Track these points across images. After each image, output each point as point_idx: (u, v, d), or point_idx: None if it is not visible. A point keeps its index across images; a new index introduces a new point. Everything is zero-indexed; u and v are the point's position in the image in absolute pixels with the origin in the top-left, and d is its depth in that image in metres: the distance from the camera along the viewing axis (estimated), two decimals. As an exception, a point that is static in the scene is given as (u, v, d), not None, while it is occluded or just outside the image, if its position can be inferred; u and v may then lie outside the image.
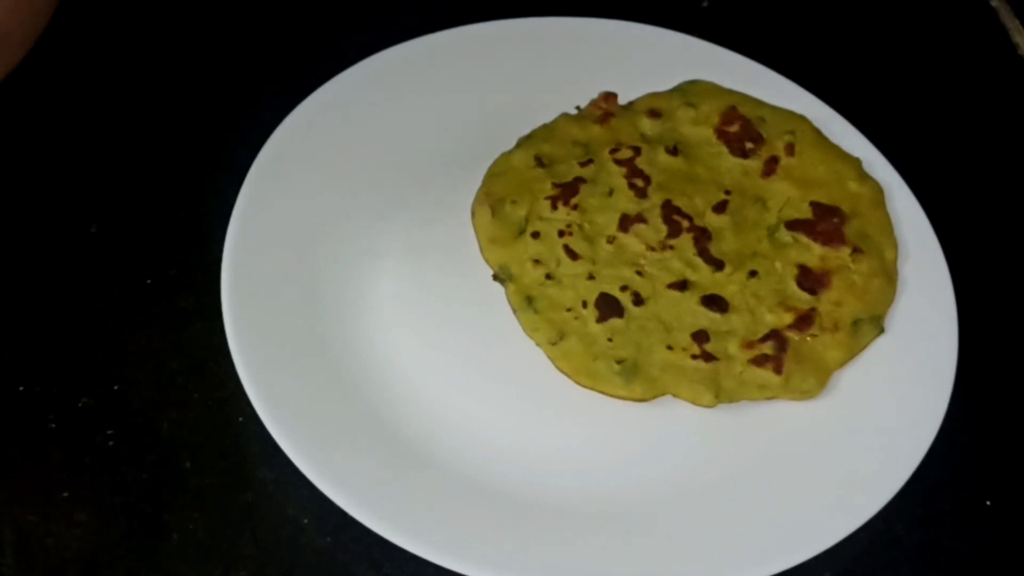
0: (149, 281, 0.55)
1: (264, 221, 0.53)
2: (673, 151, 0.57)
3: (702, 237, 0.54)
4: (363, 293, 0.53)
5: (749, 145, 0.57)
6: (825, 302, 0.53)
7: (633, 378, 0.50)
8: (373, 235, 0.55)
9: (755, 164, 0.57)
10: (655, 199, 0.55)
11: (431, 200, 0.56)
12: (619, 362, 0.50)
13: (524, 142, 0.57)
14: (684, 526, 0.47)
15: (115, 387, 0.52)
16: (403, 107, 0.58)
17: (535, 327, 0.52)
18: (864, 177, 0.57)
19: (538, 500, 0.48)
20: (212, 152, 0.60)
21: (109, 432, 0.50)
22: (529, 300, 0.52)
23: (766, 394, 0.51)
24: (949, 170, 0.62)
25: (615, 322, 0.52)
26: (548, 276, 0.53)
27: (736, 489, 0.49)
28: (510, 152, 0.56)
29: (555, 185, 0.55)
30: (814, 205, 0.56)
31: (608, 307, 0.52)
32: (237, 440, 0.50)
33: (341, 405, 0.49)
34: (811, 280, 0.54)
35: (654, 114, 0.58)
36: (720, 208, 0.55)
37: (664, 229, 0.54)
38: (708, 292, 0.53)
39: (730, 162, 0.57)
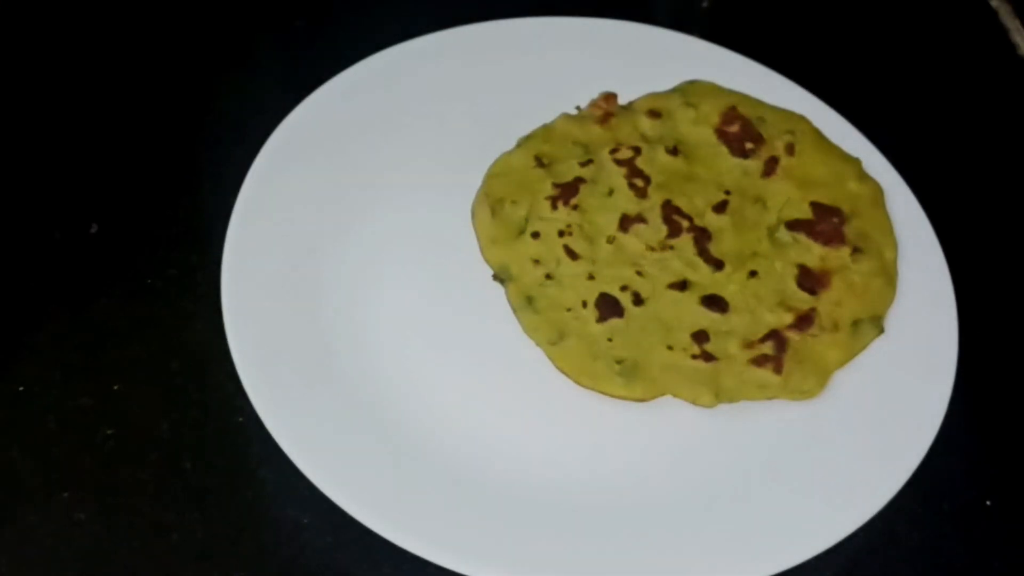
0: (149, 281, 0.55)
1: (264, 221, 0.53)
2: (673, 151, 0.57)
3: (702, 237, 0.54)
4: (363, 293, 0.53)
5: (749, 145, 0.57)
6: (825, 302, 0.53)
7: (633, 378, 0.50)
8: (372, 235, 0.55)
9: (755, 164, 0.57)
10: (655, 199, 0.55)
11: (431, 200, 0.56)
12: (619, 362, 0.51)
13: (524, 142, 0.57)
14: (684, 526, 0.47)
15: (115, 387, 0.52)
16: (403, 107, 0.58)
17: (535, 327, 0.52)
18: (864, 177, 0.57)
19: (538, 500, 0.48)
20: (212, 152, 0.60)
21: (109, 432, 0.50)
22: (529, 300, 0.52)
23: (766, 394, 0.51)
24: (949, 170, 0.62)
25: (615, 322, 0.52)
26: (548, 276, 0.53)
27: (736, 489, 0.49)
28: (510, 152, 0.56)
29: (555, 185, 0.55)
30: (814, 205, 0.56)
31: (608, 307, 0.52)
32: (237, 440, 0.50)
33: (341, 405, 0.49)
34: (811, 280, 0.54)
35: (654, 114, 0.58)
36: (720, 208, 0.55)
37: (664, 229, 0.54)
38: (708, 292, 0.53)
39: (730, 162, 0.57)
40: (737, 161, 0.57)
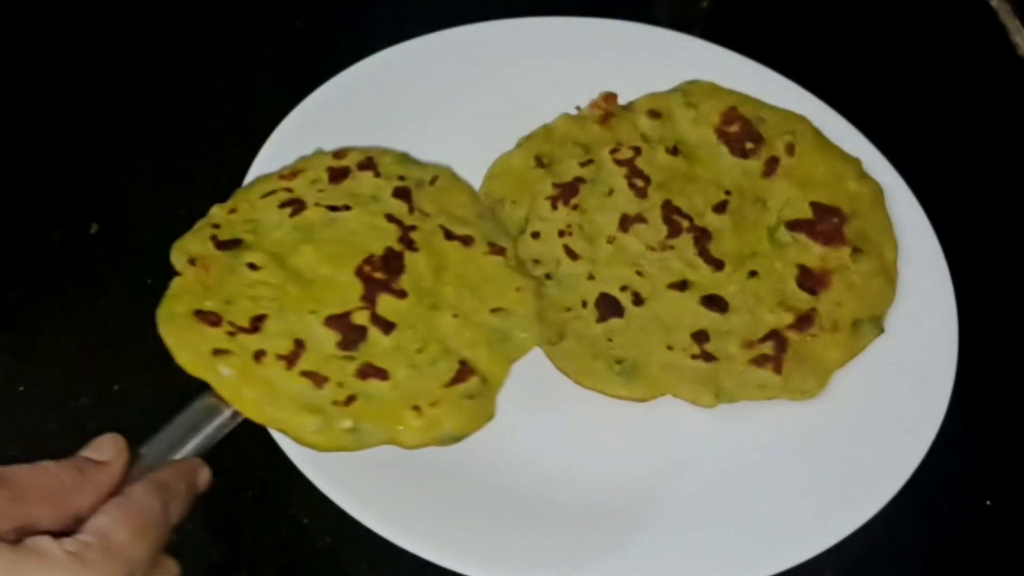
0: (149, 281, 0.55)
1: (264, 221, 0.53)
2: (673, 151, 0.57)
3: (702, 237, 0.54)
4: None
5: (749, 145, 0.57)
6: (825, 302, 0.53)
7: (633, 378, 0.50)
8: (373, 235, 0.55)
9: (755, 164, 0.57)
10: (655, 199, 0.55)
11: (431, 200, 0.56)
12: (619, 362, 0.50)
13: (524, 142, 0.57)
14: (684, 526, 0.47)
15: (115, 387, 0.52)
16: (403, 107, 0.58)
17: (535, 327, 0.52)
18: (864, 177, 0.57)
19: (538, 500, 0.48)
20: (212, 152, 0.60)
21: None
22: (529, 300, 0.52)
23: (766, 394, 0.51)
24: (949, 170, 0.62)
25: (615, 322, 0.52)
26: (548, 276, 0.53)
27: (736, 489, 0.49)
28: (510, 152, 0.56)
29: (555, 185, 0.55)
30: (814, 205, 0.56)
31: (608, 307, 0.52)
32: (237, 440, 0.50)
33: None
34: (811, 280, 0.54)
35: (654, 114, 0.58)
36: (720, 208, 0.55)
37: (664, 229, 0.54)
38: (708, 292, 0.53)
39: (730, 162, 0.57)
40: (737, 161, 0.57)
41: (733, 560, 0.47)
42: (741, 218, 0.55)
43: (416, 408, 0.43)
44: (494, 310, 0.47)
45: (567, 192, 0.55)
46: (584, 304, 0.52)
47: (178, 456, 0.41)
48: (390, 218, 0.49)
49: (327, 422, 0.43)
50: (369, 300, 0.46)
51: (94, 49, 0.63)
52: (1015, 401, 0.55)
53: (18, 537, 0.34)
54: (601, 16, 0.62)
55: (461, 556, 0.45)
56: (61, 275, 0.55)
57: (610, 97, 0.58)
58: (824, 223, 0.55)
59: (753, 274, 0.54)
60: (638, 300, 0.52)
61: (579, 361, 0.51)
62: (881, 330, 0.53)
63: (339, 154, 0.52)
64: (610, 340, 0.51)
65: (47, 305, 0.54)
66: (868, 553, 0.49)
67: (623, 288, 0.52)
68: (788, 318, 0.52)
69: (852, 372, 0.52)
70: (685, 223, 0.55)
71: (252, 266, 0.46)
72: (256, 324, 0.45)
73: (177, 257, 0.47)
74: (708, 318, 0.52)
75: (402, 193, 0.50)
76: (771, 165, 0.57)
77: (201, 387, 0.51)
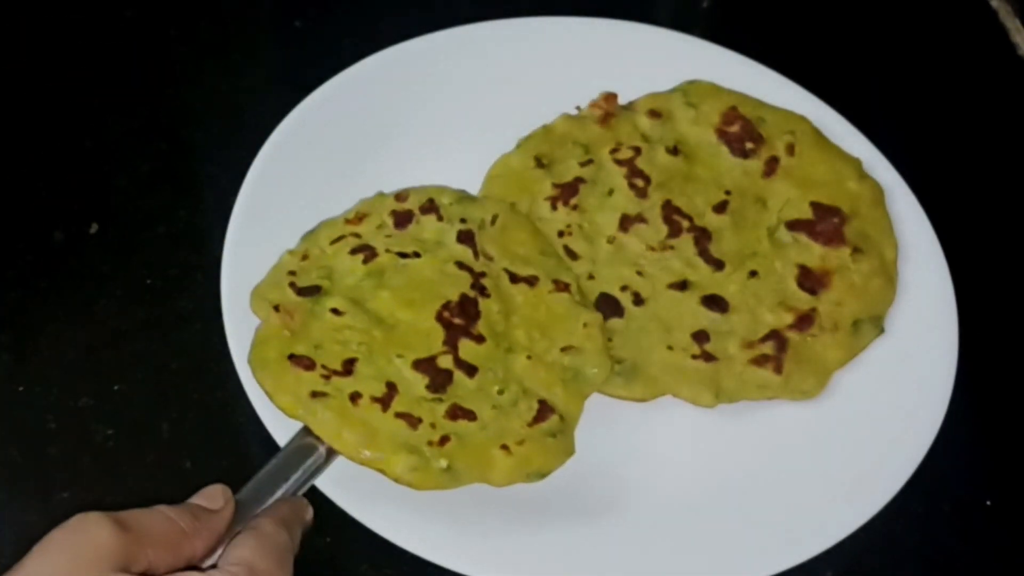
0: (149, 281, 0.55)
1: (264, 221, 0.53)
2: (673, 151, 0.57)
3: (702, 237, 0.54)
4: (363, 293, 0.53)
5: (749, 145, 0.57)
6: (825, 302, 0.53)
7: (633, 378, 0.50)
8: (373, 235, 0.55)
9: (755, 164, 0.57)
10: (655, 199, 0.55)
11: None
12: (619, 362, 0.50)
13: (524, 143, 0.57)
14: (684, 526, 0.47)
15: (115, 387, 0.52)
16: (403, 107, 0.58)
17: (535, 327, 0.52)
18: (864, 177, 0.57)
19: (538, 500, 0.48)
20: (212, 152, 0.60)
21: (109, 432, 0.50)
22: (529, 300, 0.52)
23: (766, 394, 0.51)
24: (949, 170, 0.62)
25: (615, 322, 0.52)
26: (548, 276, 0.53)
27: (736, 489, 0.49)
28: (510, 153, 0.56)
29: (555, 186, 0.55)
30: (814, 205, 0.56)
31: (608, 307, 0.52)
32: (237, 440, 0.50)
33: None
34: (811, 280, 0.54)
35: (654, 114, 0.58)
36: (720, 208, 0.55)
37: (664, 229, 0.54)
38: (708, 292, 0.53)
39: (730, 162, 0.57)
40: (737, 161, 0.57)
41: (733, 560, 0.46)
42: (741, 218, 0.55)
43: (504, 447, 0.45)
44: (564, 348, 0.49)
45: (567, 192, 0.55)
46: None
47: (273, 498, 0.42)
48: (460, 265, 0.50)
49: (424, 462, 0.44)
50: (451, 345, 0.48)
51: (94, 49, 0.63)
52: (1015, 401, 0.55)
53: None
54: (601, 16, 0.62)
55: (461, 556, 0.45)
56: (61, 275, 0.55)
57: (610, 97, 0.58)
58: (824, 223, 0.55)
59: (753, 274, 0.54)
60: (638, 300, 0.52)
61: (579, 361, 0.51)
62: (881, 330, 0.53)
63: (400, 196, 0.53)
64: (610, 340, 0.51)
65: (47, 305, 0.54)
66: (868, 553, 0.49)
67: (623, 288, 0.52)
68: (788, 318, 0.52)
69: (852, 372, 0.52)
70: (685, 223, 0.55)
71: (335, 311, 0.48)
72: (348, 367, 0.46)
73: (258, 305, 0.48)
74: (708, 318, 0.52)
75: (466, 238, 0.51)
76: (771, 165, 0.57)
77: (203, 394, 0.51)
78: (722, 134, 0.58)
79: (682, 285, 0.53)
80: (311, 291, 0.48)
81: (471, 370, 0.47)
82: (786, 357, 0.51)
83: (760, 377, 0.51)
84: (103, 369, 0.52)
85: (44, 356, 0.52)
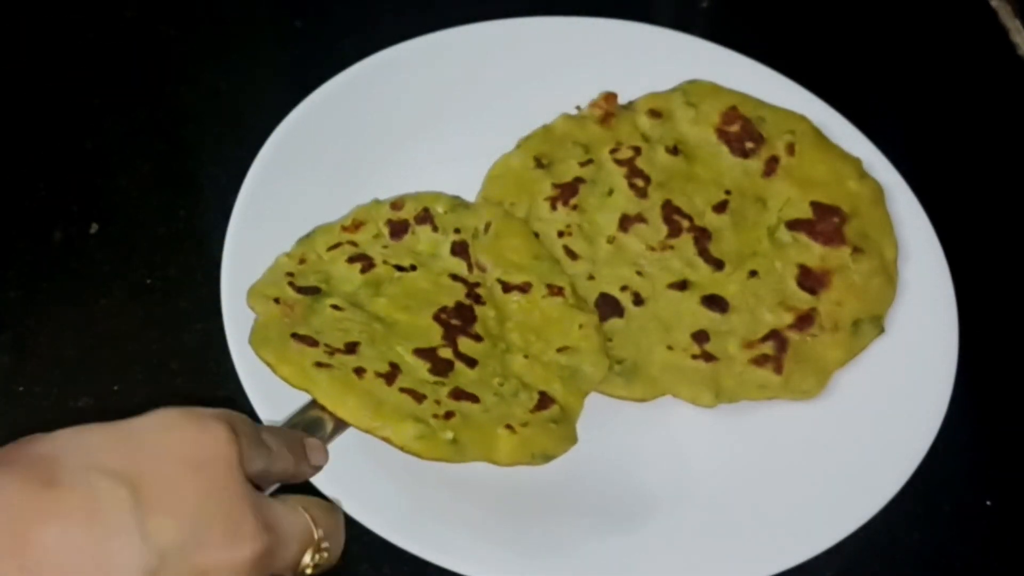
0: (149, 281, 0.55)
1: (264, 221, 0.53)
2: (673, 151, 0.57)
3: (702, 237, 0.54)
4: (363, 293, 0.53)
5: (749, 145, 0.57)
6: (825, 302, 0.53)
7: (633, 378, 0.50)
8: (373, 235, 0.55)
9: (755, 164, 0.57)
10: (655, 199, 0.55)
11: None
12: (619, 362, 0.50)
13: (524, 143, 0.57)
14: (684, 526, 0.47)
15: (115, 387, 0.52)
16: (403, 107, 0.58)
17: (535, 327, 0.52)
18: (864, 177, 0.57)
19: (538, 500, 0.48)
20: (212, 152, 0.59)
21: (109, 432, 0.50)
22: (529, 300, 0.52)
23: (766, 394, 0.51)
24: (949, 170, 0.62)
25: (615, 322, 0.52)
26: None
27: (736, 489, 0.49)
28: (509, 154, 0.56)
29: (555, 186, 0.55)
30: (814, 205, 0.56)
31: (608, 307, 0.52)
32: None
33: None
34: (811, 280, 0.53)
35: (654, 114, 0.58)
36: (720, 208, 0.55)
37: (664, 229, 0.54)
38: (708, 292, 0.53)
39: (730, 162, 0.57)
40: (737, 161, 0.57)
41: (733, 560, 0.46)
42: (741, 218, 0.55)
43: (509, 427, 0.45)
44: (560, 349, 0.49)
45: (566, 192, 0.55)
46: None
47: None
48: (455, 277, 0.51)
49: (430, 431, 0.44)
50: (450, 340, 0.48)
51: (94, 49, 0.63)
52: (1015, 401, 0.55)
53: None
54: (601, 16, 0.62)
55: (461, 556, 0.45)
56: (61, 275, 0.55)
57: (610, 97, 0.58)
58: (824, 223, 0.55)
59: (753, 274, 0.54)
60: (638, 300, 0.52)
61: (579, 361, 0.51)
62: (881, 330, 0.53)
63: (396, 205, 0.53)
64: (610, 340, 0.51)
65: (47, 305, 0.54)
66: (868, 553, 0.49)
67: (623, 288, 0.52)
68: (788, 318, 0.52)
69: (852, 372, 0.52)
70: (685, 223, 0.55)
71: (335, 307, 0.48)
72: (351, 348, 0.46)
73: (256, 300, 0.48)
74: (708, 318, 0.52)
75: (460, 250, 0.52)
76: (771, 165, 0.57)
77: (203, 393, 0.51)
78: (722, 134, 0.58)
79: (682, 285, 0.53)
80: (310, 291, 0.49)
81: (471, 362, 0.47)
82: (786, 357, 0.51)
83: (760, 377, 0.51)
84: (103, 369, 0.52)
85: (44, 356, 0.52)
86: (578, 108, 0.58)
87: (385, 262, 0.51)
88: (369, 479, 0.46)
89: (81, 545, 0.31)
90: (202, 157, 0.59)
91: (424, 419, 0.44)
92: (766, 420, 0.51)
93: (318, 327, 0.47)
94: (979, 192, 0.62)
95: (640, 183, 0.56)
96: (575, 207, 0.55)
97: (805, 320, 0.52)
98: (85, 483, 0.32)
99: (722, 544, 0.47)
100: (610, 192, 0.55)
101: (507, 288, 0.51)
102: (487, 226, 0.53)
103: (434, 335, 0.48)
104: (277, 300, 0.47)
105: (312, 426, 0.43)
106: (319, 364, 0.44)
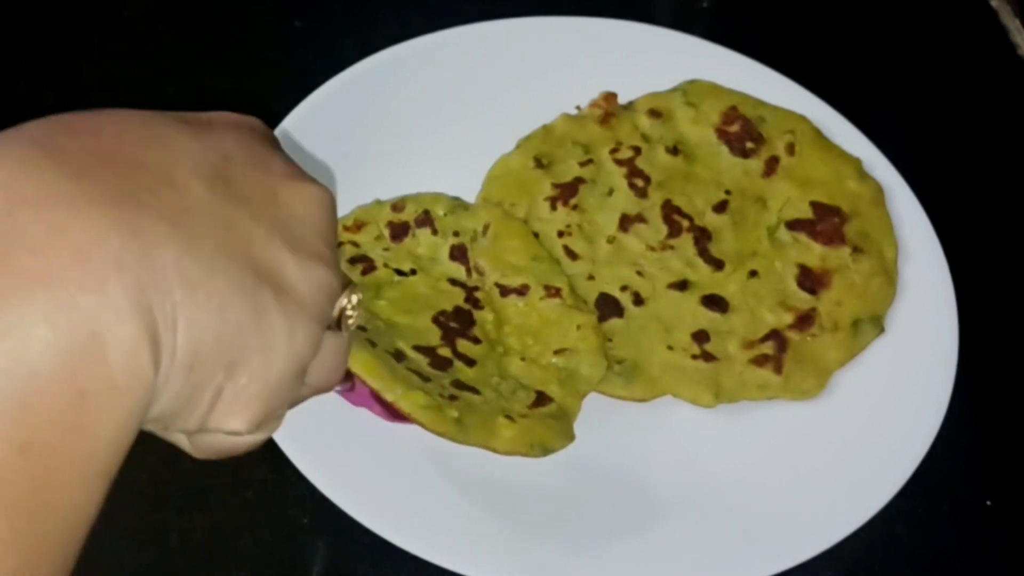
0: (149, 281, 0.55)
1: (264, 221, 0.53)
2: (673, 151, 0.57)
3: (702, 237, 0.54)
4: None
5: (749, 145, 0.57)
6: (825, 302, 0.53)
7: (633, 378, 0.50)
8: (373, 235, 0.55)
9: (755, 164, 0.57)
10: (655, 199, 0.55)
11: (431, 200, 0.56)
12: (619, 362, 0.50)
13: (523, 143, 0.57)
14: (684, 526, 0.47)
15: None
16: (403, 107, 0.58)
17: (535, 327, 0.52)
18: (864, 177, 0.57)
19: (538, 500, 0.48)
20: (212, 152, 0.59)
21: (109, 432, 0.50)
22: (529, 300, 0.52)
23: (766, 394, 0.51)
24: (949, 170, 0.62)
25: (615, 322, 0.52)
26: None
27: (736, 489, 0.49)
28: (509, 154, 0.56)
29: (555, 186, 0.55)
30: (814, 205, 0.56)
31: (608, 307, 0.52)
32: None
33: (341, 406, 0.49)
34: (811, 280, 0.54)
35: (654, 114, 0.58)
36: (720, 208, 0.55)
37: (664, 229, 0.54)
38: (708, 292, 0.53)
39: (730, 162, 0.57)
40: (737, 161, 0.57)
41: (733, 560, 0.46)
42: (741, 218, 0.55)
43: (508, 417, 0.45)
44: (558, 351, 0.49)
45: (566, 192, 0.55)
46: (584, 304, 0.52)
47: None
48: (453, 282, 0.51)
49: (437, 405, 0.44)
50: (448, 342, 0.48)
51: (94, 49, 0.63)
52: (1015, 401, 0.55)
53: None
54: (601, 16, 0.62)
55: (461, 556, 0.45)
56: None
57: (610, 97, 0.58)
58: (824, 223, 0.55)
59: (753, 274, 0.54)
60: (638, 300, 0.52)
61: (579, 361, 0.51)
62: (881, 330, 0.53)
63: (397, 207, 0.53)
64: (610, 340, 0.51)
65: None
66: (868, 553, 0.49)
67: (623, 288, 0.52)
68: (788, 318, 0.52)
69: (852, 372, 0.52)
70: (685, 223, 0.55)
71: None
72: (360, 329, 0.46)
73: None
74: (708, 318, 0.52)
75: (459, 254, 0.52)
76: (771, 165, 0.57)
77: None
78: (722, 134, 0.58)
79: (682, 285, 0.53)
80: None
81: (470, 362, 0.48)
82: (786, 357, 0.51)
83: (760, 377, 0.51)
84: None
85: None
86: (578, 108, 0.58)
87: (386, 265, 0.51)
88: (369, 479, 0.46)
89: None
90: (202, 157, 0.59)
91: (431, 394, 0.45)
92: (766, 420, 0.51)
93: None
94: (979, 192, 0.62)
95: (640, 183, 0.56)
96: (575, 207, 0.55)
97: (805, 320, 0.52)
98: None
99: (722, 544, 0.47)
100: (610, 192, 0.55)
101: (505, 292, 0.51)
102: (485, 228, 0.53)
103: (433, 336, 0.48)
104: None
105: None
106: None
